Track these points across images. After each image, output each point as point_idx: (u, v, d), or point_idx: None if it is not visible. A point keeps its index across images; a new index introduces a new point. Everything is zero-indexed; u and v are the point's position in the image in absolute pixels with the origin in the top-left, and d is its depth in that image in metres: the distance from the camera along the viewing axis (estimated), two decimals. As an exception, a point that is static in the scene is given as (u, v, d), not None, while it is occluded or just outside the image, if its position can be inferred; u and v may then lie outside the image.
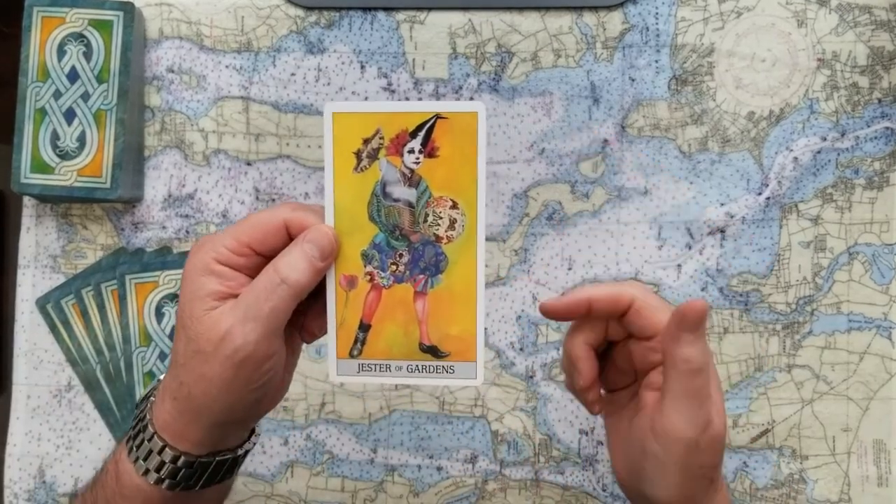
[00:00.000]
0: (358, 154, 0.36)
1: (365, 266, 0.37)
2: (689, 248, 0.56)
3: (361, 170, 0.36)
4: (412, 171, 0.36)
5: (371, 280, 0.37)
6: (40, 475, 0.56)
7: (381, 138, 0.36)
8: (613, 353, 0.42)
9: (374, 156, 0.36)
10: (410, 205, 0.36)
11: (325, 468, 0.56)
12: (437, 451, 0.56)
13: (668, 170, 0.56)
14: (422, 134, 0.36)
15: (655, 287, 0.55)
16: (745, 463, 0.55)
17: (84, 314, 0.56)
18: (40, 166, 0.54)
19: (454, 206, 0.36)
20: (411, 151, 0.36)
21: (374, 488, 0.56)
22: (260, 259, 0.36)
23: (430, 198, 0.36)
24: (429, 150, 0.36)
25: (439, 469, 0.56)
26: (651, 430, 0.37)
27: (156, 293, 0.56)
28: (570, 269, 0.56)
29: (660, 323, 0.37)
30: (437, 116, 0.36)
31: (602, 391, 0.42)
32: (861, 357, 0.55)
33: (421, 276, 0.37)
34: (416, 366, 0.37)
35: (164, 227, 0.57)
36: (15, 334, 0.57)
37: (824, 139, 0.55)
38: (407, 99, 0.56)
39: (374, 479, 0.56)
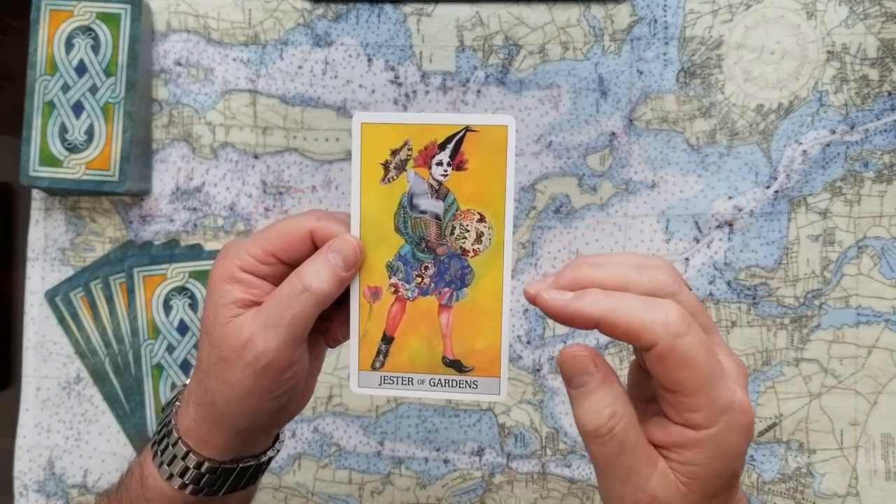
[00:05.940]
0: (385, 165, 0.36)
1: (390, 278, 0.36)
2: (697, 241, 0.55)
3: (389, 181, 0.36)
4: (440, 183, 0.36)
5: (395, 292, 0.37)
6: (50, 466, 0.57)
7: (409, 149, 0.36)
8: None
9: (401, 167, 0.36)
10: (437, 217, 0.36)
11: (332, 460, 0.56)
12: (444, 443, 0.56)
13: (676, 163, 0.56)
14: (451, 146, 0.35)
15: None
16: (752, 457, 0.55)
17: (92, 307, 0.57)
18: (49, 159, 0.54)
19: (481, 219, 0.36)
20: (440, 164, 0.36)
21: (381, 481, 0.56)
22: (285, 267, 0.36)
23: (457, 210, 0.36)
24: (457, 162, 0.35)
25: (446, 462, 0.56)
26: None
27: (164, 286, 0.56)
28: (577, 262, 0.56)
29: (683, 382, 0.29)
30: (467, 129, 0.35)
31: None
32: (869, 351, 0.55)
33: (446, 290, 0.36)
34: (439, 380, 0.37)
35: (171, 220, 0.57)
36: (24, 327, 0.57)
37: (833, 132, 0.55)
38: (414, 92, 0.56)
39: (381, 472, 0.56)
